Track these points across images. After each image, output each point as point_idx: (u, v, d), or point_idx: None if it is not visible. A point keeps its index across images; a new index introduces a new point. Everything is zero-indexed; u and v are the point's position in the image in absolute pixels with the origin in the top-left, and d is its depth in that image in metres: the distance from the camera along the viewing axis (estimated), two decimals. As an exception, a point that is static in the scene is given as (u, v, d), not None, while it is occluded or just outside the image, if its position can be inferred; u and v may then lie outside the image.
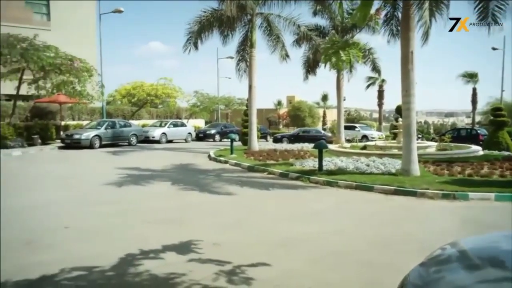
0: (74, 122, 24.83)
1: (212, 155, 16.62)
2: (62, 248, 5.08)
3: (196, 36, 17.93)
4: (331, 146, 18.07)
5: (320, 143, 12.21)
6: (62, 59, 18.38)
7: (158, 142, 24.66)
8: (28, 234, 5.58)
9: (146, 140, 24.22)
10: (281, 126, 51.63)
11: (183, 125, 28.90)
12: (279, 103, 55.61)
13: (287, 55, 19.65)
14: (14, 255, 4.76)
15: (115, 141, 21.46)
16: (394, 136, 20.32)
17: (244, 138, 20.93)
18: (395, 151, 14.70)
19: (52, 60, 17.77)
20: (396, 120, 19.98)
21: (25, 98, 22.46)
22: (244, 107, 25.52)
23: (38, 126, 20.18)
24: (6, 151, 16.11)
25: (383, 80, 43.00)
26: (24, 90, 19.66)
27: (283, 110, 52.89)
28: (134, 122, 26.64)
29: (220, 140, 28.21)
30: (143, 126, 26.88)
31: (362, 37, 41.39)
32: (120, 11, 25.42)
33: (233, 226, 6.33)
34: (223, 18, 17.44)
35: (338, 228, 6.21)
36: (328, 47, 14.39)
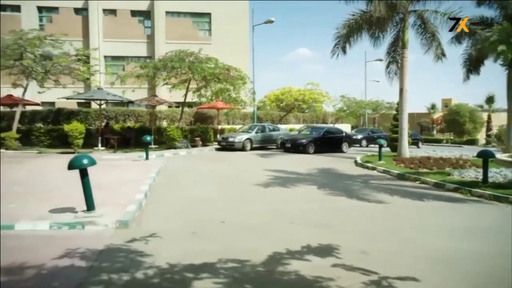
0: (229, 126, 27.16)
1: (359, 161, 16.18)
2: (219, 240, 5.60)
3: (345, 40, 17.74)
4: (499, 156, 15.72)
5: (485, 151, 10.74)
6: (220, 69, 20.38)
7: (303, 146, 25.10)
8: (192, 225, 6.34)
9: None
10: (434, 132, 47.28)
11: (328, 129, 28.84)
12: (433, 107, 51.11)
13: (443, 54, 17.85)
14: (182, 242, 5.47)
15: (265, 144, 22.66)
16: None
17: (393, 144, 19.84)
18: None
19: (212, 70, 19.89)
20: None
21: (190, 105, 25.65)
22: (393, 111, 24.20)
23: (200, 130, 22.71)
24: (174, 150, 18.65)
25: None
26: (189, 98, 22.46)
27: (437, 115, 48.33)
28: (281, 126, 27.77)
29: (367, 146, 27.27)
30: (290, 130, 27.78)
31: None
32: (271, 22, 26.88)
33: (382, 235, 6.04)
34: (373, 20, 16.88)
35: (504, 250, 5.35)
36: (496, 36, 12.42)
